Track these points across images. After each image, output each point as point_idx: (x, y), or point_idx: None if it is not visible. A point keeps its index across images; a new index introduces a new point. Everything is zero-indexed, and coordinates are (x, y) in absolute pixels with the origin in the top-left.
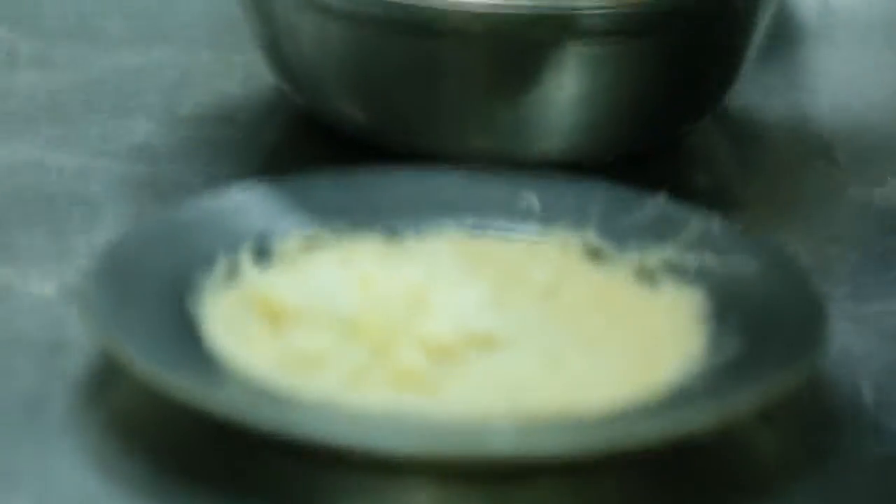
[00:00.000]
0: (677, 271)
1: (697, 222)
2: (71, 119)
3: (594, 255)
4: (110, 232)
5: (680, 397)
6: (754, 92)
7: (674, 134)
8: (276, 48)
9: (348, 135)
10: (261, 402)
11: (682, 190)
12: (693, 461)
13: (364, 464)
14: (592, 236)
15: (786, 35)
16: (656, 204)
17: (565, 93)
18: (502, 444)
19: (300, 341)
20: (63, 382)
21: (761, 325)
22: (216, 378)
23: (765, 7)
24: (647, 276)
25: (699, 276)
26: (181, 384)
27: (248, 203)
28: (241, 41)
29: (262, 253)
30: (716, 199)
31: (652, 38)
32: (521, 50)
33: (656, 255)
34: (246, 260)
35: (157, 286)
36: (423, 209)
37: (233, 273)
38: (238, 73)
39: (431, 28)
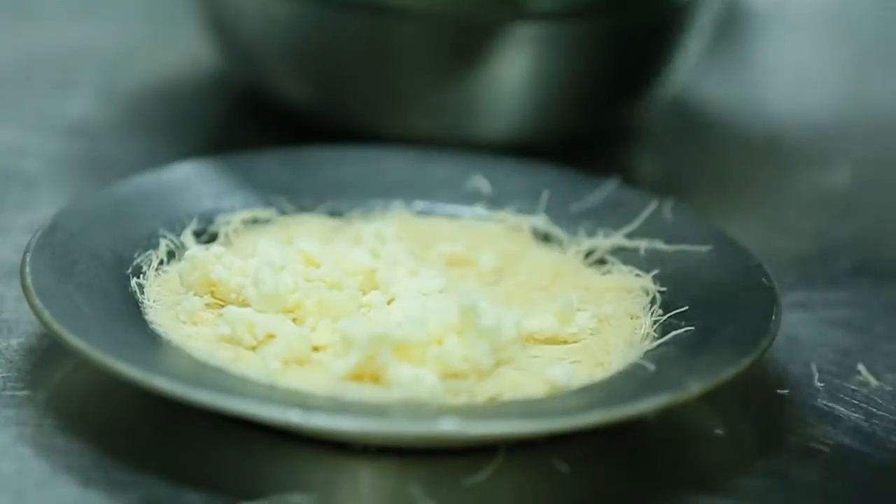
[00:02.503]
0: (627, 256)
1: (648, 207)
2: (6, 95)
3: (544, 238)
4: (48, 210)
5: (628, 381)
6: (705, 80)
7: (619, 115)
8: (219, 25)
9: (292, 114)
10: (201, 379)
11: (633, 176)
12: (641, 443)
13: (305, 439)
14: (542, 220)
15: (736, 25)
16: (607, 189)
17: (510, 73)
18: (444, 425)
19: (241, 320)
20: (1, 360)
21: (711, 310)
22: (156, 356)
23: None
24: (596, 260)
25: (649, 261)
26: (121, 362)
27: (191, 181)
28: (183, 17)
29: (205, 232)
30: (666, 185)
31: (597, 19)
32: (467, 29)
33: (606, 240)
34: (188, 238)
35: (98, 264)
36: (369, 189)
37: (174, 251)
38: (179, 49)
39: (378, 6)
